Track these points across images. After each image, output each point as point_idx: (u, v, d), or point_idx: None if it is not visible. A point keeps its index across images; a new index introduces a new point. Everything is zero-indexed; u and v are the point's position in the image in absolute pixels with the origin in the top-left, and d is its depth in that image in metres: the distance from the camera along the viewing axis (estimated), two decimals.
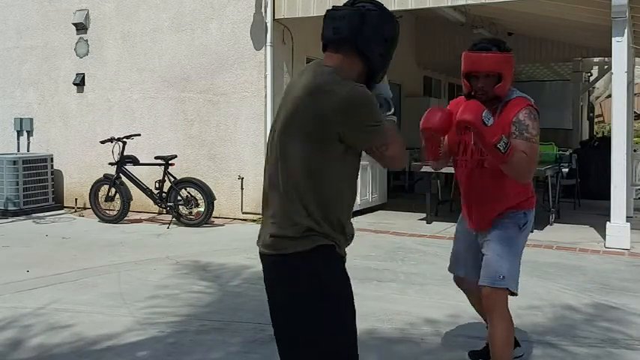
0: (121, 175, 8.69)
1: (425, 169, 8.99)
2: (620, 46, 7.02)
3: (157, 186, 8.49)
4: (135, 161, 8.66)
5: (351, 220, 2.26)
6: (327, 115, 2.05)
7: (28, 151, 10.47)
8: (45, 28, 10.42)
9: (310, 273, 2.08)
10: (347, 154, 2.12)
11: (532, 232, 7.79)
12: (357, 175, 2.25)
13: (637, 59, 11.04)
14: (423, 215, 8.85)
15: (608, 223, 7.10)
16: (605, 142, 10.58)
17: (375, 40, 2.18)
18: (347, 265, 2.23)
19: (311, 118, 2.08)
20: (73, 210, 9.75)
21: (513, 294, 3.13)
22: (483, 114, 2.79)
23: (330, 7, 2.25)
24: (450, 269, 3.53)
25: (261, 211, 2.28)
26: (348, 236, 2.20)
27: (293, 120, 2.13)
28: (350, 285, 2.15)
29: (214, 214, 8.47)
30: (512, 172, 2.96)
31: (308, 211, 2.08)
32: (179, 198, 8.44)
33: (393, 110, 2.24)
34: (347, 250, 2.25)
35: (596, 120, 22.11)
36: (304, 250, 2.07)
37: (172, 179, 8.41)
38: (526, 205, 3.19)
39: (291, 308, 2.14)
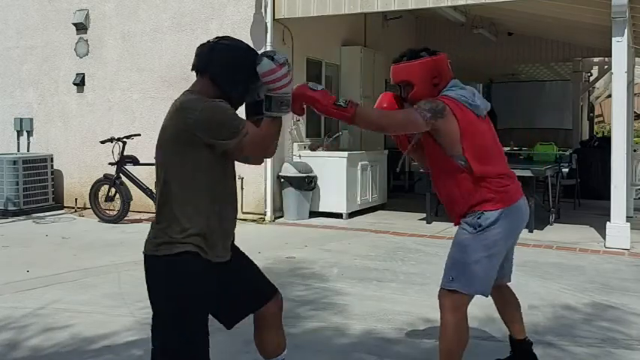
0: (121, 175, 8.69)
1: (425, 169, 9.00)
2: (620, 46, 7.02)
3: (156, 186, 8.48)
4: (135, 161, 8.66)
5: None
6: (187, 127, 2.38)
7: (28, 151, 10.47)
8: (45, 28, 10.42)
9: (168, 276, 2.43)
10: (210, 163, 2.45)
11: (531, 231, 7.85)
12: (226, 182, 2.57)
13: (637, 59, 11.04)
14: (423, 215, 8.86)
15: (608, 223, 7.10)
16: (605, 142, 10.58)
17: (225, 70, 2.51)
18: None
19: (176, 131, 2.43)
20: (73, 210, 9.75)
21: (484, 295, 3.10)
22: (309, 84, 2.75)
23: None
24: None
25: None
26: (216, 241, 2.48)
27: (164, 134, 2.48)
28: (208, 284, 2.44)
29: None
30: (367, 124, 2.96)
31: (174, 218, 2.42)
32: None
33: (272, 113, 2.48)
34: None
35: (596, 120, 22.10)
36: (169, 253, 2.41)
37: None
38: (488, 205, 3.00)
39: (155, 300, 2.50)
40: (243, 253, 2.79)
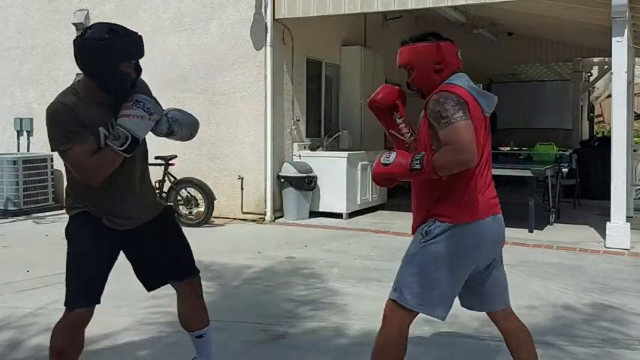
0: None
1: None
2: (620, 46, 7.03)
3: (157, 186, 8.48)
4: None
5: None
6: None
7: (28, 151, 10.47)
8: (45, 28, 10.42)
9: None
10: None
11: (531, 231, 7.85)
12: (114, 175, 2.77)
13: (637, 59, 11.04)
14: None
15: (608, 223, 7.11)
16: (605, 142, 10.58)
17: (87, 64, 2.75)
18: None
19: None
20: None
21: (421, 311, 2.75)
22: (382, 157, 2.69)
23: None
24: None
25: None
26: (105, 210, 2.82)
27: None
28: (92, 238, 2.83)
29: (214, 214, 8.47)
30: (449, 170, 2.54)
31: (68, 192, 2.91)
32: (179, 198, 8.44)
33: (124, 147, 2.63)
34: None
35: (596, 120, 22.10)
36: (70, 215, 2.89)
37: (172, 179, 8.41)
38: (444, 216, 2.67)
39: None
40: (177, 233, 3.03)
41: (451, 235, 2.64)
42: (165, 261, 2.98)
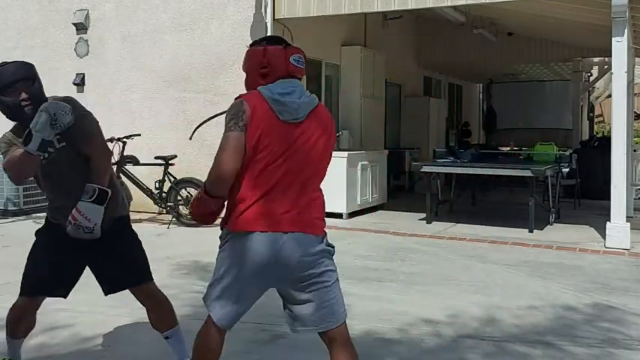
0: (121, 175, 8.68)
1: (425, 169, 9.01)
2: (620, 46, 7.02)
3: (157, 186, 8.49)
4: (135, 161, 8.65)
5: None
6: None
7: None
8: (45, 28, 10.42)
9: None
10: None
11: (531, 231, 7.86)
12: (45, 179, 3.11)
13: (637, 59, 11.04)
14: (423, 215, 8.85)
15: (608, 223, 7.10)
16: (605, 142, 10.58)
17: None
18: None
19: None
20: None
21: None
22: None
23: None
24: None
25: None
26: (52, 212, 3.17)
27: None
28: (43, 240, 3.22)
29: None
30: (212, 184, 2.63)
31: None
32: (179, 198, 8.44)
33: (31, 145, 2.78)
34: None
35: (596, 120, 22.12)
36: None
37: (172, 179, 8.41)
38: (228, 222, 2.58)
39: None
40: (131, 243, 3.28)
41: (233, 241, 2.58)
42: (117, 268, 3.21)
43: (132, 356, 3.79)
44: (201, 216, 2.72)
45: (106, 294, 3.30)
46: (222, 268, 2.61)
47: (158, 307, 3.29)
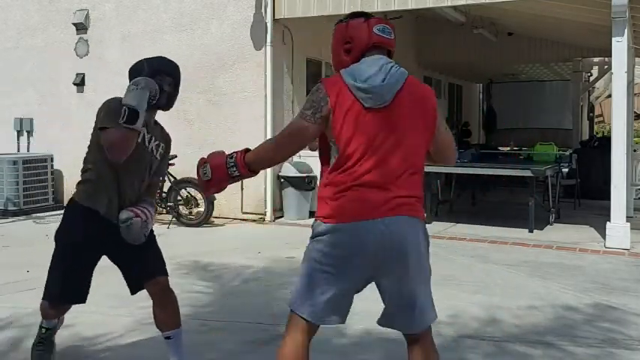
0: None
1: (425, 169, 8.99)
2: (620, 46, 7.02)
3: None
4: None
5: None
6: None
7: (28, 151, 10.47)
8: (45, 28, 10.42)
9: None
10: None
11: (531, 231, 7.86)
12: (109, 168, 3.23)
13: (637, 59, 11.04)
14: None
15: (608, 223, 7.10)
16: (605, 142, 10.58)
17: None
18: None
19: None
20: None
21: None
22: (201, 171, 2.66)
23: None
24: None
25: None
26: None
27: None
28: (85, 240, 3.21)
29: (214, 214, 8.47)
30: (269, 162, 2.74)
31: None
32: (179, 198, 8.44)
33: (124, 119, 2.90)
34: None
35: (596, 120, 22.11)
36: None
37: (172, 179, 8.41)
38: (320, 213, 2.47)
39: None
40: (152, 237, 3.27)
41: (323, 231, 2.46)
42: (135, 263, 3.24)
43: (132, 356, 3.79)
44: (219, 183, 2.66)
45: (134, 291, 3.31)
46: (311, 260, 2.48)
47: (168, 304, 3.28)
